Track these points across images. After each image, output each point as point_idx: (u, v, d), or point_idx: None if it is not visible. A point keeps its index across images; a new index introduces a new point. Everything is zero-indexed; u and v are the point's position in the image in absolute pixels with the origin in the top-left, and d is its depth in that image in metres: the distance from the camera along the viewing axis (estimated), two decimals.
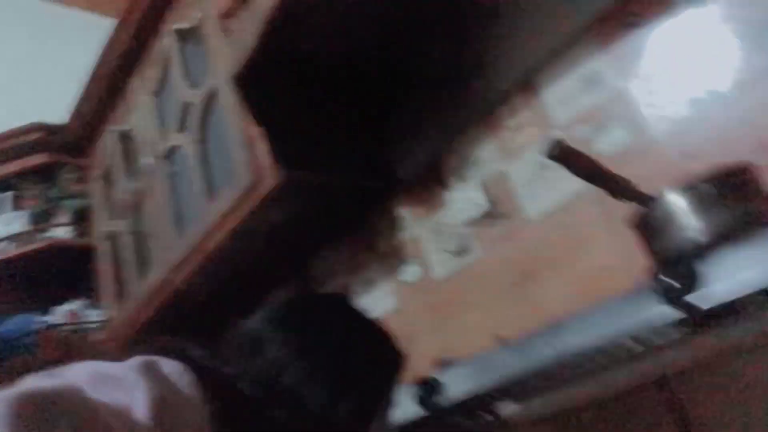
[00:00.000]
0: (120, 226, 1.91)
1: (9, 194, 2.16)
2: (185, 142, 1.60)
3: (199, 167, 1.53)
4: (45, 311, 2.05)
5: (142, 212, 1.81)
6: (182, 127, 1.62)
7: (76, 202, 2.17)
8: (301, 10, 1.19)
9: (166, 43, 1.69)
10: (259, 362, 0.71)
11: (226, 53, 1.39)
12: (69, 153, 2.15)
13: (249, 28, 1.26)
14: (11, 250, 2.02)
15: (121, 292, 1.89)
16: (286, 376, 0.70)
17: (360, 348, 0.80)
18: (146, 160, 1.77)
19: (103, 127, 2.04)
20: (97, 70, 1.90)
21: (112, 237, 1.96)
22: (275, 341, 0.73)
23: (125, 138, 1.93)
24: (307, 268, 1.73)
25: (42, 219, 2.16)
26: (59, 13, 2.89)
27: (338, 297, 1.14)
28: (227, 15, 1.37)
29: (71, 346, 1.92)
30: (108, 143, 2.00)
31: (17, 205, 2.17)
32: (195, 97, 1.56)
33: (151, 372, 0.56)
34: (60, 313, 2.00)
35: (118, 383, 0.53)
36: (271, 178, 1.28)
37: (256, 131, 1.30)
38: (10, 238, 2.05)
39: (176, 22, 1.65)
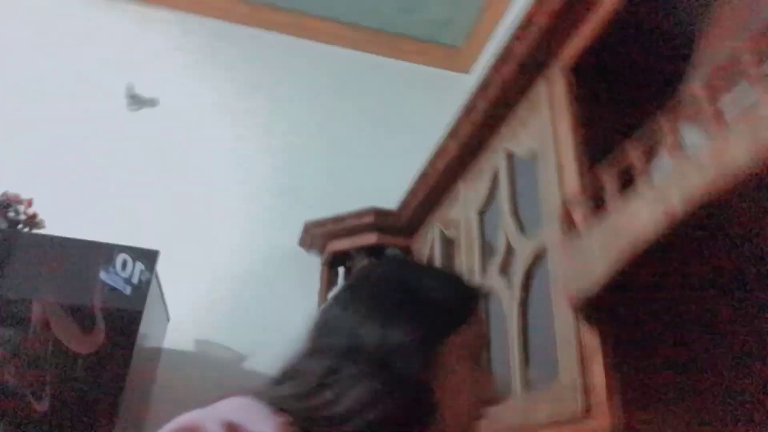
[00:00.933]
0: None
1: (342, 268, 2.24)
2: (502, 292, 1.37)
3: (517, 338, 1.28)
4: None
5: None
6: (503, 272, 1.40)
7: None
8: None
9: (495, 160, 1.49)
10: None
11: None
12: (396, 235, 2.14)
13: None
14: None
15: None
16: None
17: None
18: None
19: (429, 219, 1.97)
20: (427, 170, 1.83)
21: None
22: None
23: (446, 241, 1.81)
24: None
25: None
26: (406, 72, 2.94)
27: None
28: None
29: None
30: (431, 237, 1.91)
31: (347, 276, 2.24)
32: (522, 245, 1.32)
33: None
34: None
35: None
36: (607, 414, 0.96)
37: (594, 346, 1.00)
38: None
39: (510, 141, 1.43)
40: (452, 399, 0.67)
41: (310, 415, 0.60)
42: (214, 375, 2.05)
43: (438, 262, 1.84)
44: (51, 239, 1.57)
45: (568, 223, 0.93)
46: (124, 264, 1.50)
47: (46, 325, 1.42)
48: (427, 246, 1.93)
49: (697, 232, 0.75)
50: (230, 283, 2.23)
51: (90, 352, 1.42)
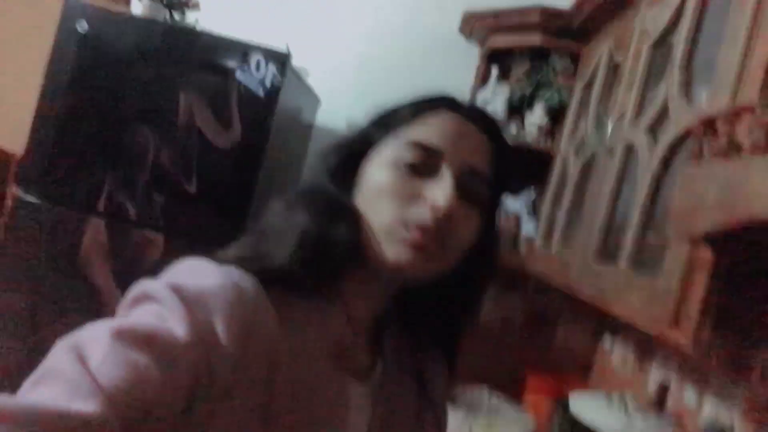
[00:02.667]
0: (572, 159, 1.69)
1: (496, 69, 2.08)
2: (642, 152, 1.20)
3: (641, 207, 1.15)
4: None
5: (589, 173, 1.53)
6: (651, 131, 1.21)
7: (556, 97, 1.97)
8: None
9: None
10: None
11: None
12: (564, 38, 1.89)
13: None
14: None
15: (550, 228, 1.76)
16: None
17: None
18: (611, 122, 1.42)
19: (604, 29, 1.69)
20: None
21: (565, 164, 1.77)
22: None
23: (612, 67, 1.57)
24: None
25: (519, 101, 2.05)
26: None
27: None
28: None
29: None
30: (599, 56, 1.67)
31: (502, 78, 2.09)
32: (679, 111, 1.11)
33: (231, 289, 0.57)
34: (505, 213, 2.01)
35: (207, 305, 0.55)
36: (691, 334, 0.89)
37: (705, 261, 0.88)
38: None
39: None
40: (367, 206, 0.67)
41: (251, 265, 0.62)
42: None
43: (597, 87, 1.63)
44: (194, 32, 1.64)
45: (700, 144, 0.74)
46: (258, 65, 1.54)
47: (192, 117, 1.56)
48: (591, 66, 1.70)
49: None
50: (383, 69, 2.21)
51: (228, 146, 1.57)
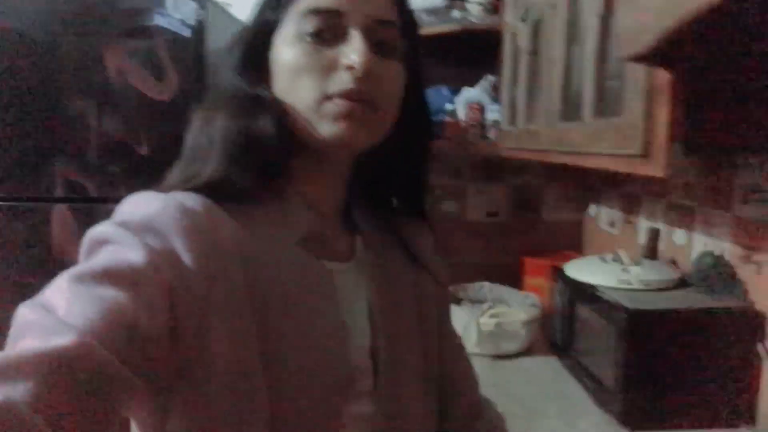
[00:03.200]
0: (520, 28, 1.64)
1: None
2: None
3: (595, 53, 1.12)
4: (456, 91, 2.05)
5: (539, 37, 1.49)
6: None
7: None
8: None
9: None
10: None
11: None
12: None
13: None
14: (428, 26, 1.95)
15: (513, 105, 1.73)
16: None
17: None
18: None
19: None
20: None
21: (514, 37, 1.72)
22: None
23: None
24: None
25: None
26: None
27: None
28: None
29: (467, 144, 1.93)
30: None
31: None
32: None
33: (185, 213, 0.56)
34: (464, 101, 1.97)
35: (157, 229, 0.54)
36: (663, 160, 0.88)
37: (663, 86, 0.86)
38: (428, 11, 1.96)
39: None
40: (284, 87, 0.64)
41: (189, 185, 0.61)
42: None
43: None
44: None
45: None
46: (176, 4, 1.45)
47: (123, 76, 1.48)
48: None
49: None
50: None
51: (168, 98, 1.50)
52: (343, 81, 0.61)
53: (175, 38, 1.49)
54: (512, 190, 2.17)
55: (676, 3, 0.62)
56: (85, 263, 0.52)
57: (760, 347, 1.15)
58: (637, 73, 0.91)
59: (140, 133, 1.53)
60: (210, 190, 0.60)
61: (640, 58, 0.78)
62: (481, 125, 1.91)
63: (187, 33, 1.48)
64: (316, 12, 0.62)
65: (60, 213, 1.64)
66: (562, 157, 1.28)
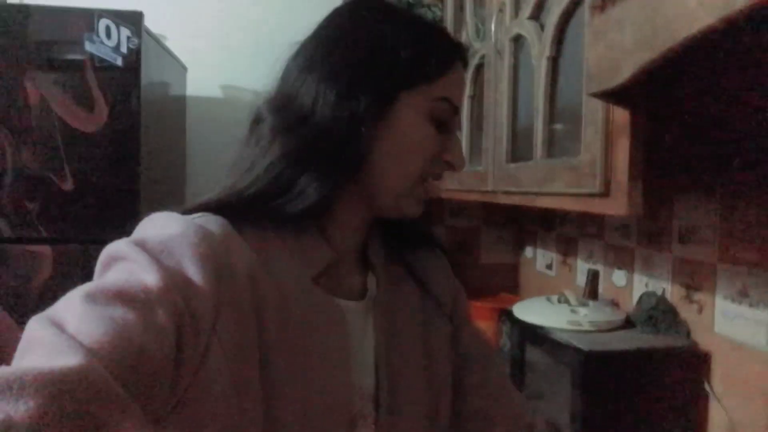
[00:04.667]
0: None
1: None
2: (532, 40, 1.18)
3: (543, 96, 1.13)
4: None
5: (481, 81, 1.51)
6: (534, 17, 1.19)
7: (429, 14, 1.92)
8: None
9: None
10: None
11: None
12: None
13: None
14: None
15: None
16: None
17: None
18: (492, 22, 1.39)
19: None
20: None
21: None
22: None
23: None
24: None
25: None
26: None
27: None
28: None
29: None
30: None
31: None
32: None
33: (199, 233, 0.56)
34: None
35: (173, 252, 0.54)
36: (625, 197, 0.88)
37: (623, 124, 0.86)
38: None
39: None
40: (396, 158, 0.65)
41: (218, 201, 0.62)
42: (241, 117, 2.07)
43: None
44: (22, 8, 1.41)
45: None
46: (108, 31, 1.36)
47: (46, 105, 1.37)
48: None
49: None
50: (246, 23, 2.07)
51: (95, 130, 1.39)
52: (440, 170, 0.69)
53: (105, 66, 1.39)
54: (449, 232, 2.17)
55: (653, 33, 0.62)
56: (100, 280, 0.52)
57: (706, 385, 1.17)
58: (595, 113, 0.92)
59: (64, 167, 1.40)
60: (238, 211, 0.61)
61: (607, 95, 0.79)
62: None
63: (118, 61, 1.38)
64: (450, 103, 0.67)
65: None
66: (512, 197, 1.28)
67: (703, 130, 1.02)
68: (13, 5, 1.48)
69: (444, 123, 0.67)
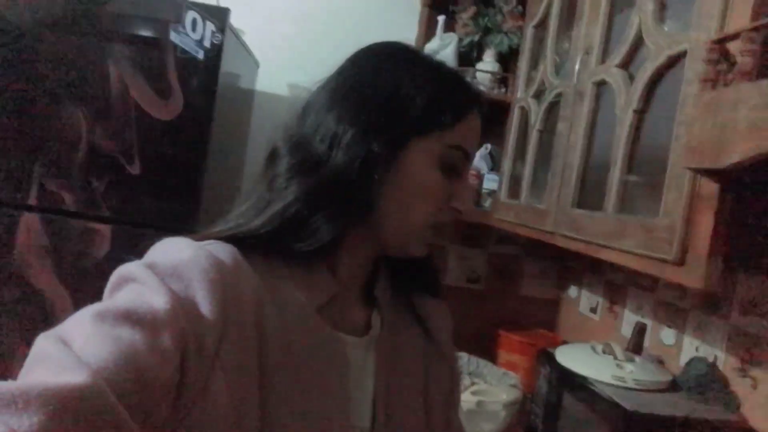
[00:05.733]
0: (532, 106, 1.64)
1: (442, 17, 1.99)
2: (619, 90, 1.15)
3: (622, 150, 1.11)
4: None
5: (554, 118, 1.48)
6: (624, 65, 1.16)
7: (505, 41, 1.90)
8: None
9: None
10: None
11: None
12: None
13: None
14: None
15: (515, 179, 1.72)
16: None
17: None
18: (576, 62, 1.37)
19: None
20: None
21: (524, 112, 1.72)
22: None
23: (569, 2, 1.51)
24: None
25: (468, 49, 1.98)
26: None
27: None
28: None
29: None
30: None
31: (448, 28, 2.01)
32: (656, 40, 1.05)
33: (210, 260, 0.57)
34: None
35: (182, 276, 0.55)
36: (703, 271, 0.85)
37: (710, 194, 0.84)
38: None
39: None
40: (405, 203, 0.66)
41: (232, 235, 0.63)
42: None
43: (552, 25, 1.57)
44: None
45: (717, 64, 0.68)
46: (194, 24, 1.38)
47: (125, 89, 1.39)
48: (543, 3, 1.64)
49: None
50: (322, 24, 2.08)
51: (169, 118, 1.41)
52: (448, 217, 0.69)
53: (187, 58, 1.41)
54: (491, 258, 2.15)
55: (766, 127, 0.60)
56: (110, 300, 0.53)
57: None
58: (680, 178, 0.89)
59: (134, 151, 1.43)
60: (247, 242, 0.62)
61: (706, 172, 0.76)
62: (478, 192, 1.88)
63: (200, 55, 1.40)
64: (462, 150, 0.68)
65: (28, 223, 1.51)
66: (573, 243, 1.26)
67: None
68: None
69: (455, 169, 0.68)
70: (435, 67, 0.70)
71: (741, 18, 0.78)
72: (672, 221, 0.91)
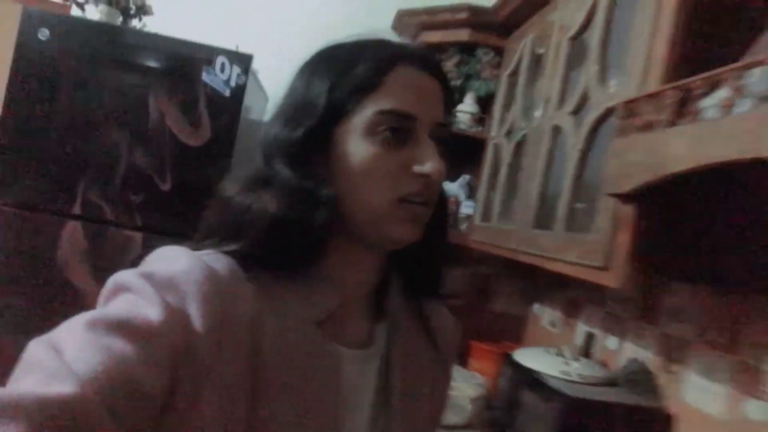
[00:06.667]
0: (504, 143, 1.91)
1: None
2: (569, 133, 1.43)
3: (571, 182, 1.38)
4: None
5: (521, 154, 1.75)
6: (575, 113, 1.44)
7: (483, 87, 2.19)
8: None
9: None
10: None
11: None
12: (489, 33, 2.11)
13: None
14: None
15: (488, 204, 1.98)
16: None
17: None
18: (537, 112, 1.65)
19: (526, 23, 1.92)
20: None
21: (497, 148, 1.99)
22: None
23: (535, 59, 1.80)
24: None
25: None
26: None
27: None
28: None
29: None
30: (522, 48, 1.89)
31: None
32: (598, 95, 1.33)
33: (206, 273, 0.56)
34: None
35: (178, 288, 0.54)
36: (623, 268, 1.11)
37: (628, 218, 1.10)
38: None
39: None
40: (356, 188, 0.62)
41: (223, 248, 0.61)
42: None
43: (522, 76, 1.85)
44: (160, 38, 1.74)
45: (625, 119, 0.96)
46: (223, 67, 1.66)
47: (162, 118, 1.66)
48: (515, 57, 1.92)
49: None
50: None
51: (198, 144, 1.67)
52: (417, 189, 0.62)
53: (216, 95, 1.69)
54: (472, 276, 2.38)
55: (655, 164, 0.86)
56: (103, 309, 0.53)
57: None
58: (608, 202, 1.15)
59: (166, 171, 1.69)
60: (241, 257, 0.61)
61: (617, 195, 1.03)
62: (455, 217, 2.15)
63: (226, 93, 1.68)
64: (394, 114, 0.61)
65: (72, 229, 1.75)
66: (531, 257, 1.52)
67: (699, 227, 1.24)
68: (150, 33, 1.80)
69: (399, 134, 0.62)
70: (350, 46, 0.67)
71: (653, 85, 1.06)
72: (601, 237, 1.17)
